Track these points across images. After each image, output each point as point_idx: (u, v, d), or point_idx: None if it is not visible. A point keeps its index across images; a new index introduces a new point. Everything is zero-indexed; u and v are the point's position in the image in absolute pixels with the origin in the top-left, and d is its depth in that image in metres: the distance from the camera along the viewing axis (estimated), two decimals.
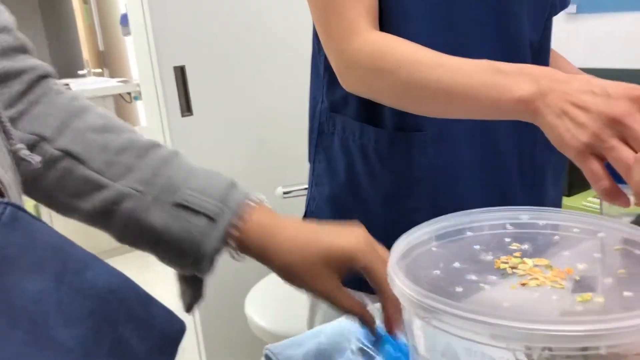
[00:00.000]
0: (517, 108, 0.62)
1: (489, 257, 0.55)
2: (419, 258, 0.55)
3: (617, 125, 0.55)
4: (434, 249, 0.56)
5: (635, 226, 0.53)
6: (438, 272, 0.54)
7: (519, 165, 0.91)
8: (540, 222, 0.58)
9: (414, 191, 0.88)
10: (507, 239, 0.57)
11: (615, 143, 0.54)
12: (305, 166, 1.02)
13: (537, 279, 0.50)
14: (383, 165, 0.89)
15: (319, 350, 0.69)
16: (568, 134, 0.57)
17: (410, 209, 0.89)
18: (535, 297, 0.48)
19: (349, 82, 0.79)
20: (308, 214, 1.01)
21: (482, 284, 0.52)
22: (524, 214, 0.59)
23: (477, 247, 0.57)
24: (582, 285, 0.49)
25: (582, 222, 0.56)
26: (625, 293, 0.47)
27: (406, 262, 0.53)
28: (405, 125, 0.86)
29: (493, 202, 0.67)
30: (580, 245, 0.55)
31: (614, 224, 0.55)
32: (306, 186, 1.03)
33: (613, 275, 0.50)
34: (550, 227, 0.58)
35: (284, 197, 1.66)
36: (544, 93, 0.60)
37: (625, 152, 0.54)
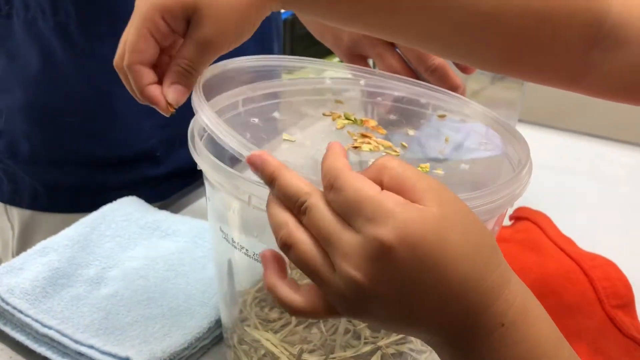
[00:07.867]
0: None
1: (311, 111, 0.48)
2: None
3: None
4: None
5: (456, 94, 0.51)
6: (256, 120, 0.45)
7: None
8: (361, 81, 0.52)
9: None
10: (329, 95, 0.51)
11: None
12: None
13: (369, 143, 0.45)
14: (93, 48, 0.67)
15: (54, 271, 0.54)
16: None
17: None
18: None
19: None
20: None
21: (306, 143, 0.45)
22: (347, 72, 0.52)
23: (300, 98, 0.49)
24: (414, 153, 0.45)
25: (410, 91, 0.51)
26: (462, 166, 0.44)
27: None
28: None
29: None
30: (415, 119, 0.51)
31: (437, 93, 0.51)
32: None
33: (441, 144, 0.47)
34: (372, 87, 0.52)
35: None
36: None
37: None
